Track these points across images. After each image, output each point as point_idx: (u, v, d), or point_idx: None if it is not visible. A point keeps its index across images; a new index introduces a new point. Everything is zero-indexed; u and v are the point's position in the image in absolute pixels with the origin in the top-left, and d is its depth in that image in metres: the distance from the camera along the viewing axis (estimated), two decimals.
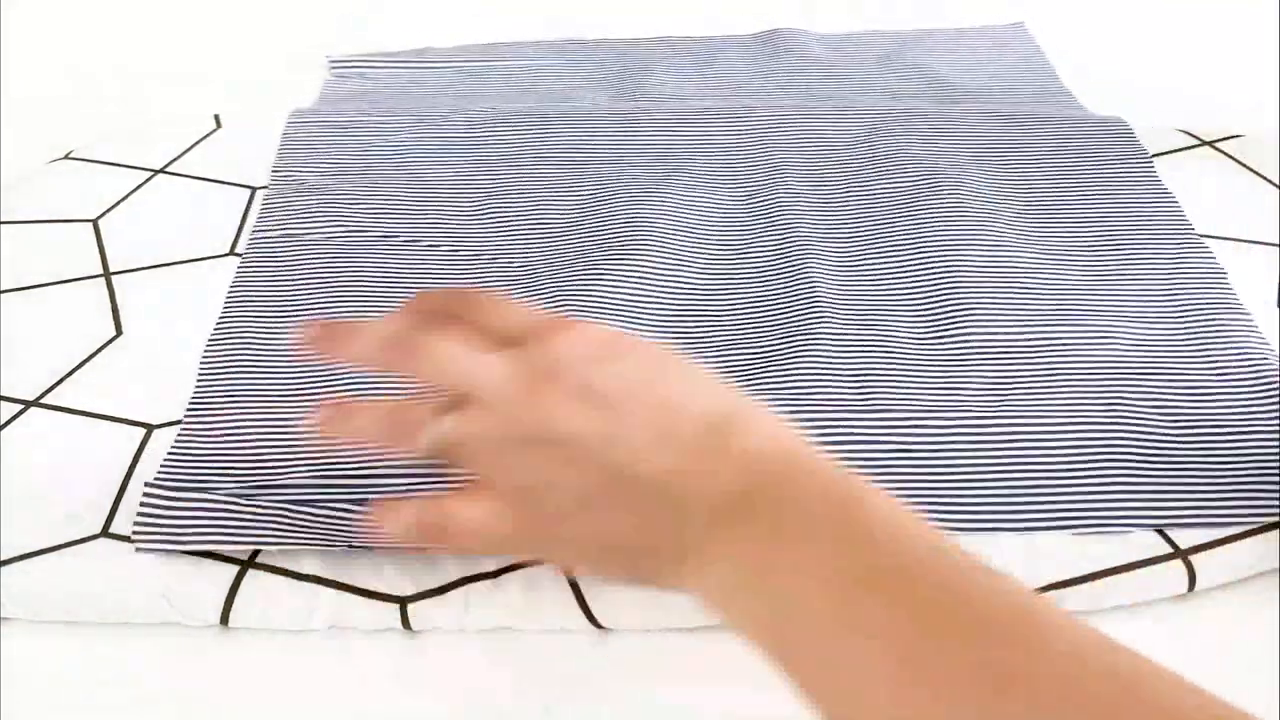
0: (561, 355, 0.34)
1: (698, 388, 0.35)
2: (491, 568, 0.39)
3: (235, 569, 0.39)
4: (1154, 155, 0.61)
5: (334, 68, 0.72)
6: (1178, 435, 0.44)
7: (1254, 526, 0.40)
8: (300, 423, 0.44)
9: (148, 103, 0.69)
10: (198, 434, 0.44)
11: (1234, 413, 0.45)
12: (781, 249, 0.53)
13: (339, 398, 0.40)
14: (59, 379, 0.47)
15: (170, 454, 0.43)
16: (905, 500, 0.41)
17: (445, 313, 0.37)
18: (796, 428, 0.35)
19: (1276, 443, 0.43)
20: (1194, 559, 0.40)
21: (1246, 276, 0.52)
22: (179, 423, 0.45)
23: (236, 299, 0.51)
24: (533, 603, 0.39)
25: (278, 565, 0.39)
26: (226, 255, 0.55)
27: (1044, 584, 0.39)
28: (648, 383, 0.34)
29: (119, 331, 0.50)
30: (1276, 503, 0.41)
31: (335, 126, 0.63)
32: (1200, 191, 0.58)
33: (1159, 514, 0.41)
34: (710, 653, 0.39)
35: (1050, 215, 0.56)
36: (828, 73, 0.70)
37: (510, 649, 0.39)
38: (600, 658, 0.39)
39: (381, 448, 0.37)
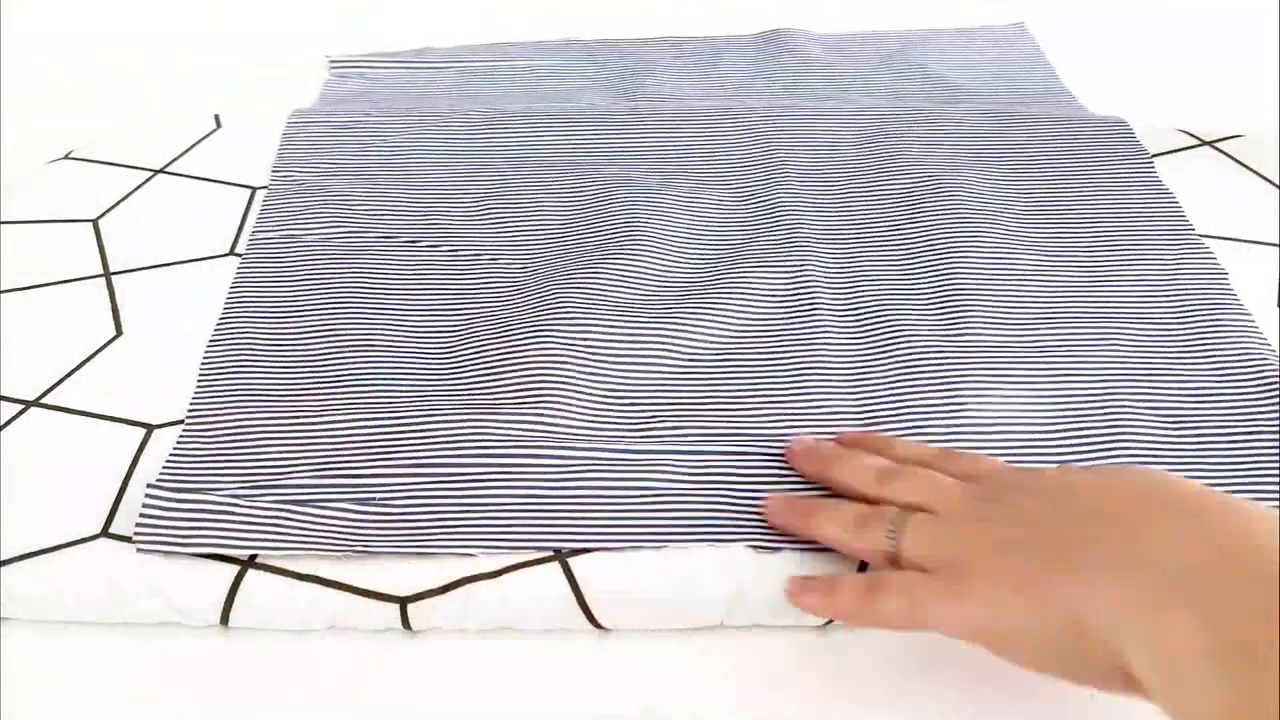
0: (1002, 470, 0.39)
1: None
2: (492, 568, 0.39)
3: (235, 569, 0.39)
4: (1154, 155, 0.61)
5: (334, 68, 0.72)
6: (1178, 435, 0.44)
7: None
8: (301, 423, 0.44)
9: (148, 103, 0.69)
10: (199, 435, 0.44)
11: (1234, 413, 0.45)
12: (782, 249, 0.53)
13: (795, 498, 0.41)
14: (59, 379, 0.47)
15: (172, 455, 0.43)
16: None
17: (861, 447, 0.42)
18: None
19: (1276, 443, 0.43)
20: None
21: (1247, 276, 0.52)
22: (179, 423, 0.45)
23: (237, 299, 0.51)
24: (533, 603, 0.39)
25: (278, 565, 0.39)
26: (226, 255, 0.55)
27: None
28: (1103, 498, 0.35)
29: (119, 331, 0.50)
30: (1277, 503, 0.41)
31: (335, 126, 0.63)
32: (1200, 192, 0.58)
33: None
34: (710, 653, 0.39)
35: (1050, 216, 0.56)
36: (828, 73, 0.70)
37: (510, 649, 0.39)
38: (600, 658, 0.39)
39: (833, 543, 0.39)
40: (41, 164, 0.62)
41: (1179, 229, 0.55)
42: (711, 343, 0.48)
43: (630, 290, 0.51)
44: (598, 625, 0.39)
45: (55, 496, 0.42)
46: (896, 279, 0.52)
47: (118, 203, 0.58)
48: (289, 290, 0.52)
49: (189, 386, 0.47)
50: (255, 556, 0.40)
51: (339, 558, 0.40)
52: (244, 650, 0.39)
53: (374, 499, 0.41)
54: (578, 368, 0.46)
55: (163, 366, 0.48)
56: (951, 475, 0.38)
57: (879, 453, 0.41)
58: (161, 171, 0.61)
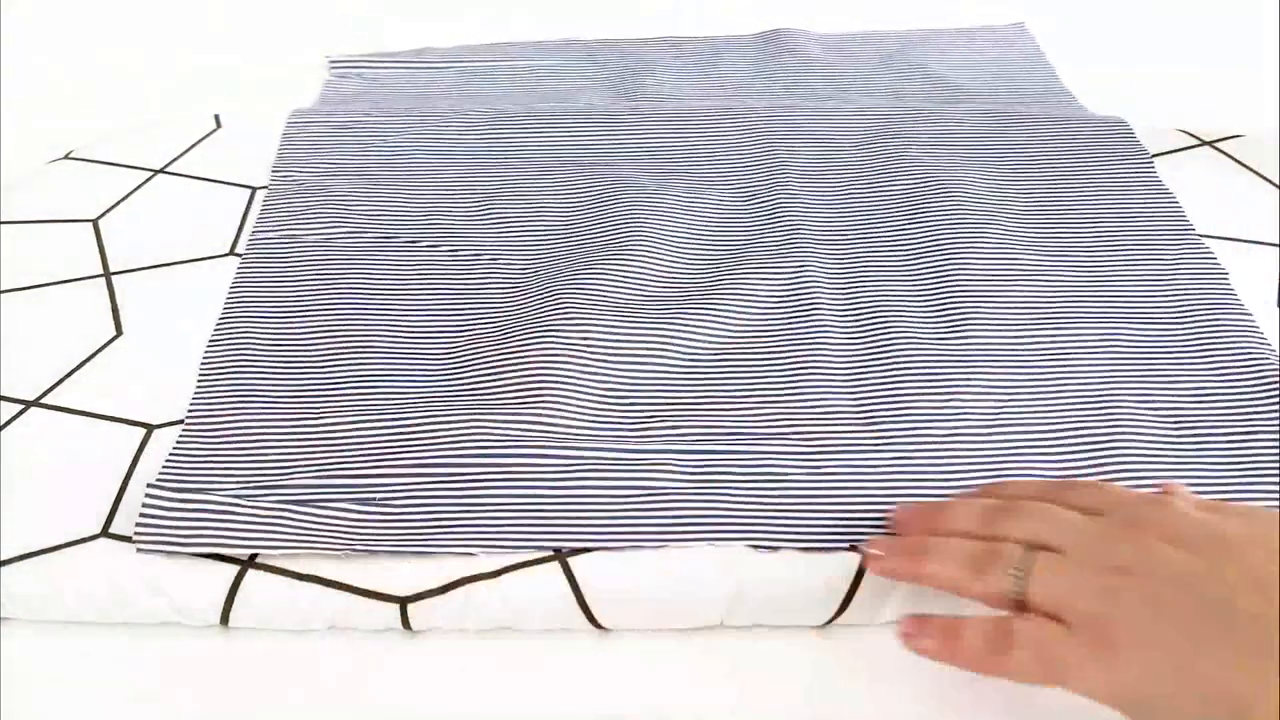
0: (1128, 501, 0.35)
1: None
2: (492, 568, 0.39)
3: (235, 569, 0.39)
4: (1154, 155, 0.61)
5: (334, 68, 0.72)
6: (1177, 435, 0.44)
7: None
8: (301, 423, 0.44)
9: (148, 103, 0.69)
10: (199, 435, 0.44)
11: (1233, 413, 0.45)
12: (782, 250, 0.53)
13: (899, 540, 0.39)
14: (59, 379, 0.47)
15: (172, 455, 0.43)
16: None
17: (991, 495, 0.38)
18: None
19: (1276, 443, 0.43)
20: None
21: (1247, 276, 0.52)
22: (179, 423, 0.45)
23: (237, 299, 0.51)
24: (533, 602, 0.39)
25: (278, 565, 0.39)
26: (226, 255, 0.55)
27: None
28: (1232, 529, 0.33)
29: (119, 331, 0.50)
30: (1277, 503, 0.41)
31: (335, 126, 0.63)
32: (1200, 191, 0.58)
33: None
34: (710, 653, 0.39)
35: (1050, 216, 0.56)
36: (828, 73, 0.70)
37: (510, 649, 0.39)
38: (600, 658, 0.39)
39: (947, 585, 0.36)
40: (41, 164, 0.62)
41: (1179, 229, 0.55)
42: (711, 343, 0.48)
43: (630, 290, 0.51)
44: (598, 625, 0.39)
45: (55, 496, 0.42)
46: (896, 279, 0.52)
47: (118, 203, 0.58)
48: (289, 290, 0.52)
49: (189, 386, 0.47)
50: (255, 556, 0.40)
51: (339, 558, 0.40)
52: (244, 650, 0.39)
53: (374, 499, 0.41)
54: (578, 368, 0.46)
55: (163, 366, 0.48)
56: (1072, 507, 0.35)
57: (987, 496, 0.38)
58: (161, 171, 0.61)
